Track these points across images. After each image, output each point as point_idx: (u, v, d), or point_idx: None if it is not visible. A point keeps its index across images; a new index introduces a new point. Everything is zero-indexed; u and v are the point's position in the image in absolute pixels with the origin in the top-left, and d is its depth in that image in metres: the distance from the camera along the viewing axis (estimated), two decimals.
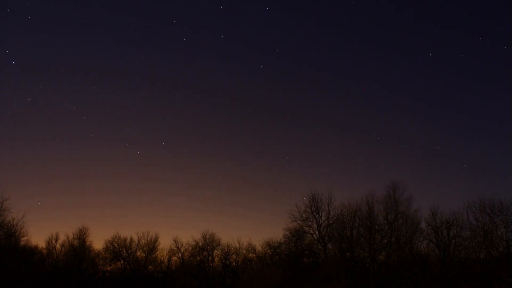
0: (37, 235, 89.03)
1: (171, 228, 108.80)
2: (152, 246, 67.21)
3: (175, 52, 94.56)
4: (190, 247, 66.73)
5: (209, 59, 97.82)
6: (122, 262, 66.80)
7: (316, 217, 52.78)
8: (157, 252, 67.95)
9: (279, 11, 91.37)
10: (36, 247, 63.64)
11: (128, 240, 67.48)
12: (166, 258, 68.68)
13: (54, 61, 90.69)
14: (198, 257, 65.51)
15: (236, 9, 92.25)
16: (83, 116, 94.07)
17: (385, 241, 44.69)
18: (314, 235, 52.66)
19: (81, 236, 66.07)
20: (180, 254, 68.11)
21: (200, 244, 65.84)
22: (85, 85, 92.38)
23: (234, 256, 65.03)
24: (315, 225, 52.74)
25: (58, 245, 66.33)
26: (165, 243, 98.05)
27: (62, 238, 67.08)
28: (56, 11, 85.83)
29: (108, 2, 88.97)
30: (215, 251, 65.88)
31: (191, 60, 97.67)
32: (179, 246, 68.13)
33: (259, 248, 61.25)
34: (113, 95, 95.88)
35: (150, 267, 67.16)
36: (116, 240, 67.05)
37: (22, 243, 54.70)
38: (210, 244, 65.94)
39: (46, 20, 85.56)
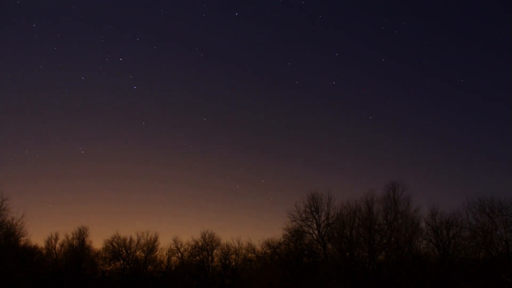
0: (36, 235, 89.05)
1: (171, 228, 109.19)
2: (151, 246, 67.20)
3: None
4: (190, 247, 66.90)
5: (208, 57, 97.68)
6: (121, 262, 66.76)
7: (316, 217, 52.89)
8: (157, 252, 68.07)
9: None
10: (35, 247, 63.72)
11: (128, 240, 67.64)
12: (165, 258, 68.72)
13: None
14: (197, 257, 65.55)
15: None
16: (83, 116, 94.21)
17: (385, 241, 44.68)
18: (314, 235, 52.76)
19: (81, 236, 66.17)
20: (179, 254, 68.14)
21: (200, 244, 65.97)
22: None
23: (233, 256, 65.19)
24: (314, 225, 52.85)
25: (57, 245, 66.63)
26: (164, 243, 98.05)
27: (61, 238, 67.43)
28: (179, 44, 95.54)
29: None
30: (215, 251, 66.09)
31: (189, 59, 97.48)
32: (179, 246, 68.26)
33: (258, 248, 61.42)
34: (110, 96, 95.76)
35: (149, 267, 67.11)
36: (115, 240, 67.16)
37: (22, 243, 54.90)
38: (210, 244, 66.02)
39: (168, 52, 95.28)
